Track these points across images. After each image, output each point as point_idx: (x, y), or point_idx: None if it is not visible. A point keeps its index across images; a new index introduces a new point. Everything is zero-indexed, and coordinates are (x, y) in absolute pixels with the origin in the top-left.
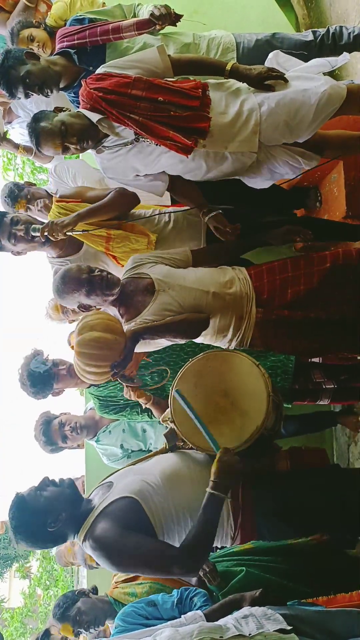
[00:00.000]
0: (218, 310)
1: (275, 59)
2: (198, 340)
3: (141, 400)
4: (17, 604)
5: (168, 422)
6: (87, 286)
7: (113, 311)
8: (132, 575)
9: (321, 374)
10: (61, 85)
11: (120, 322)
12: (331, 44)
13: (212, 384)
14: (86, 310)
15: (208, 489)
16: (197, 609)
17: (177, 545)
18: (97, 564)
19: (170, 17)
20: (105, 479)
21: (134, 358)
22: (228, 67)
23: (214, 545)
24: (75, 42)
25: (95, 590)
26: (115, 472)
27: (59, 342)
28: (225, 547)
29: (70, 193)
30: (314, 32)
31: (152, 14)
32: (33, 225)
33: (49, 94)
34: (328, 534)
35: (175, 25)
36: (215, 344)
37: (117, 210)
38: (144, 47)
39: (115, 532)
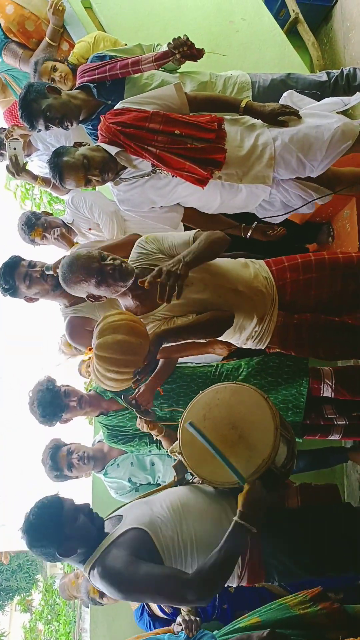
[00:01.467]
0: (242, 310)
1: (290, 98)
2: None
3: (153, 432)
4: (17, 639)
5: (176, 454)
6: (98, 276)
7: (126, 302)
8: None
9: (333, 409)
10: (80, 118)
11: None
12: (345, 85)
13: (221, 416)
14: (95, 301)
15: (235, 518)
16: None
17: None
18: (100, 597)
19: (187, 46)
20: (113, 512)
21: (150, 388)
22: (242, 104)
23: None
24: (96, 76)
25: None
26: (124, 505)
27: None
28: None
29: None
30: (328, 73)
31: (168, 44)
32: (46, 265)
33: (69, 127)
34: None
35: (196, 61)
36: (231, 341)
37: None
38: (162, 84)
39: (126, 560)
